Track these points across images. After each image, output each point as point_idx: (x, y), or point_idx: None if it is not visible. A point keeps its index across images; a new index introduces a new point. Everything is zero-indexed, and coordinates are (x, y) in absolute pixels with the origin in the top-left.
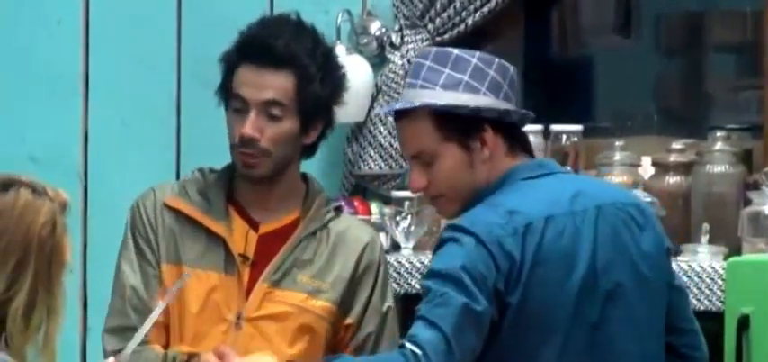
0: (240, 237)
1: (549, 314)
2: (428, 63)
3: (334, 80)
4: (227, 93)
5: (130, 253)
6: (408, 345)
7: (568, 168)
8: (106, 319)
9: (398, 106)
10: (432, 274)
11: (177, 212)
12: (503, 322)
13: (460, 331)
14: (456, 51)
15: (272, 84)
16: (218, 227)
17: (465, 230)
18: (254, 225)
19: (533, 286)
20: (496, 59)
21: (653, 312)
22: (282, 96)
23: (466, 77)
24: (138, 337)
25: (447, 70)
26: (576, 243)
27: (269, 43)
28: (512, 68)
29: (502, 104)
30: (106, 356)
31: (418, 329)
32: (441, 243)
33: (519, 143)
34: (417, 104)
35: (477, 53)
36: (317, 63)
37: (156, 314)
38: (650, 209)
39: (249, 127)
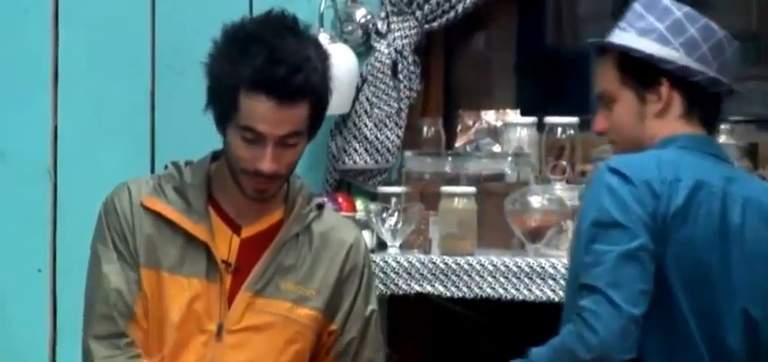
0: (223, 242)
1: (687, 270)
2: (638, 7)
3: (330, 79)
4: (229, 112)
5: (111, 253)
6: (575, 318)
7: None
8: (90, 325)
9: (590, 41)
10: (590, 225)
11: (155, 213)
12: None
13: (619, 281)
14: (667, 1)
15: (292, 118)
16: (199, 231)
17: (614, 170)
18: (235, 228)
19: (676, 238)
20: (704, 20)
21: None
22: (300, 126)
23: (662, 27)
24: None
25: (650, 17)
26: (724, 220)
27: (288, 79)
28: (721, 34)
29: (691, 63)
30: None
31: (581, 298)
32: (591, 184)
33: (699, 110)
34: (601, 41)
35: (687, 7)
36: (325, 78)
37: None
38: None
39: (269, 163)
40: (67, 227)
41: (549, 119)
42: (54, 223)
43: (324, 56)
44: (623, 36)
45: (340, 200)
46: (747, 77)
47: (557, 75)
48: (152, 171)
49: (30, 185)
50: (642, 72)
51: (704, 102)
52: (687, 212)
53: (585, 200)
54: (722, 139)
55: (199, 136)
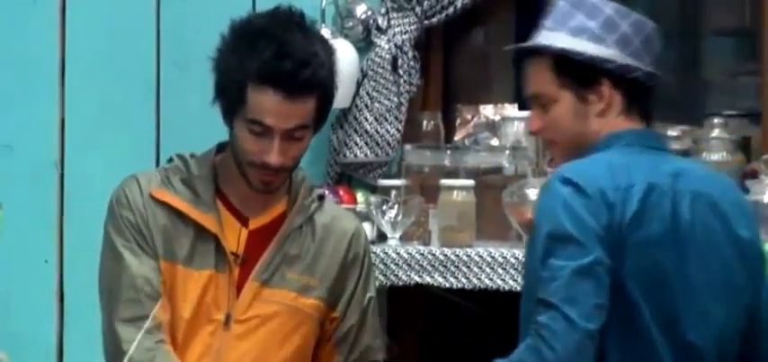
0: (232, 234)
1: (645, 275)
2: (564, 5)
3: (336, 74)
4: (237, 105)
5: (130, 243)
6: (533, 334)
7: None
8: (115, 310)
9: (520, 46)
10: (545, 237)
11: (165, 205)
12: None
13: (574, 296)
14: None
15: (299, 112)
16: (209, 222)
17: (567, 180)
18: (243, 220)
19: (633, 244)
20: (634, 14)
21: (731, 315)
22: (306, 119)
23: (594, 26)
24: None
25: (580, 16)
26: (675, 218)
27: (296, 74)
28: (650, 26)
29: (627, 61)
30: (121, 346)
31: (539, 313)
32: (544, 194)
33: (638, 105)
34: (537, 44)
35: (615, 4)
36: (331, 73)
37: None
38: (749, 206)
39: (276, 156)
40: (74, 219)
41: None
42: (61, 215)
43: (330, 51)
44: (553, 37)
45: (341, 193)
46: (740, 73)
47: None
48: (157, 164)
49: (37, 177)
50: (581, 73)
51: (642, 96)
52: (642, 217)
53: (540, 210)
54: (716, 132)
55: (203, 130)
